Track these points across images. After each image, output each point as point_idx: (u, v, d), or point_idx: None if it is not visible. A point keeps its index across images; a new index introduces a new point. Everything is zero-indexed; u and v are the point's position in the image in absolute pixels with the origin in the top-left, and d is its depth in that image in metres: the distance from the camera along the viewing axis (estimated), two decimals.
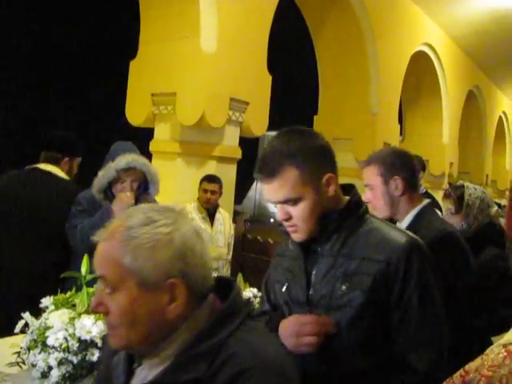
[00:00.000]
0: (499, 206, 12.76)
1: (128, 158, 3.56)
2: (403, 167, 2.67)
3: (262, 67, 6.37)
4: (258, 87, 6.28)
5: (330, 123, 9.11)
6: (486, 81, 15.86)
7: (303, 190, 1.82)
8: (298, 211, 1.84)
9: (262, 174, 1.85)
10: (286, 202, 1.84)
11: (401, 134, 11.24)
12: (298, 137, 1.87)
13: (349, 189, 2.01)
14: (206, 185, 5.69)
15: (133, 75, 6.19)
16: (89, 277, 2.35)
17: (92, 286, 2.39)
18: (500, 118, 18.17)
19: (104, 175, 3.56)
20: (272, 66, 6.58)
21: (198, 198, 5.76)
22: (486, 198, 3.34)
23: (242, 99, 6.03)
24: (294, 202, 1.83)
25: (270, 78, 6.47)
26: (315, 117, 9.36)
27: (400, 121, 10.72)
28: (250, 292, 3.14)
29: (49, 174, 3.82)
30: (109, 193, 3.64)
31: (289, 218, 1.86)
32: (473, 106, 15.27)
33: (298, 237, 1.91)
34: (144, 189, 3.74)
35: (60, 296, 2.38)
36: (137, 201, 3.66)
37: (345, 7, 8.48)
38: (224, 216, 5.87)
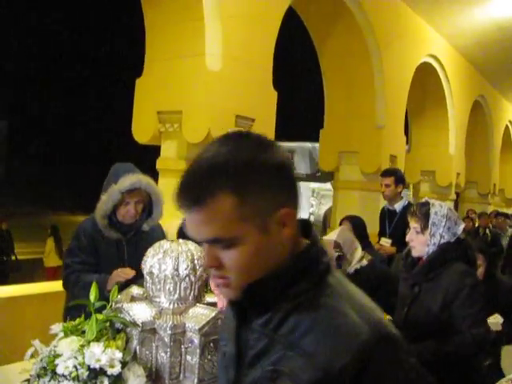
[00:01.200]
0: (507, 215, 12.73)
1: (132, 179, 3.44)
2: None
3: (268, 84, 6.41)
4: (264, 104, 6.31)
5: (336, 137, 9.13)
6: (491, 90, 15.86)
7: (241, 229, 1.19)
8: (232, 258, 1.21)
9: (182, 200, 1.21)
10: (214, 242, 1.22)
11: (407, 144, 11.24)
12: (241, 146, 1.22)
13: (305, 229, 1.33)
14: None
15: (139, 93, 6.23)
16: (97, 304, 2.37)
17: (101, 312, 2.42)
18: (506, 126, 18.15)
19: (108, 198, 3.44)
20: (278, 82, 6.61)
21: None
22: (453, 215, 3.20)
23: (248, 116, 6.07)
24: (228, 244, 1.20)
25: (275, 94, 6.51)
26: (321, 130, 9.38)
27: (406, 132, 10.73)
28: None
29: None
30: (114, 218, 3.53)
31: (218, 265, 1.23)
32: (479, 115, 15.27)
33: (228, 293, 1.30)
34: (148, 213, 3.65)
35: (69, 323, 2.40)
36: (139, 226, 3.63)
37: (349, 22, 8.52)
38: None
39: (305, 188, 56.37)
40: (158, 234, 3.74)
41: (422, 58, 10.88)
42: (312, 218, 55.15)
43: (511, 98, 17.43)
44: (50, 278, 13.56)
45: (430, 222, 3.15)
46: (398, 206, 6.08)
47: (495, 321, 4.46)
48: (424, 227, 3.17)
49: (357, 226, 5.13)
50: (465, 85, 13.37)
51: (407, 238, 3.28)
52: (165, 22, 6.04)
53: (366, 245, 5.09)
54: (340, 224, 5.17)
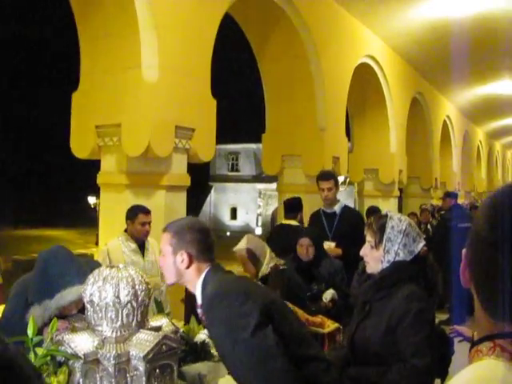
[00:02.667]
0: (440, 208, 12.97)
1: (71, 297, 2.97)
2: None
3: (206, 92, 6.37)
4: (203, 113, 6.27)
5: (278, 140, 9.15)
6: (428, 87, 16.19)
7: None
8: None
9: None
10: None
11: (349, 143, 11.36)
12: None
13: None
14: (144, 217, 5.41)
15: (75, 107, 6.11)
16: (36, 339, 2.29)
17: (41, 346, 2.34)
18: (444, 122, 18.58)
19: (41, 314, 2.94)
20: (218, 85, 6.58)
21: (127, 231, 5.50)
22: (412, 232, 2.89)
23: (188, 126, 6.01)
24: None
25: (214, 102, 6.47)
26: (263, 135, 9.39)
27: (348, 132, 10.84)
28: (203, 334, 3.10)
29: None
30: None
31: None
32: (417, 112, 15.57)
33: None
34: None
35: None
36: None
37: (287, 25, 8.55)
38: (152, 244, 5.59)
39: (251, 189, 56.62)
40: None
41: (360, 59, 11.02)
42: (260, 219, 55.38)
43: (448, 93, 17.83)
44: None
45: (385, 237, 2.88)
46: (337, 208, 6.14)
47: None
48: (379, 242, 2.90)
49: (315, 239, 5.16)
50: (403, 83, 13.60)
51: (361, 253, 3.03)
52: (99, 34, 5.94)
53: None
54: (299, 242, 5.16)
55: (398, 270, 2.85)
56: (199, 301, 2.57)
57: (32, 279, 3.13)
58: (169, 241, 2.61)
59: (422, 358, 2.65)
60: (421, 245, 2.90)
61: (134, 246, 5.47)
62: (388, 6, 9.98)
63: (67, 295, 2.96)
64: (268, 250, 4.64)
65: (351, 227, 5.76)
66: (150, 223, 5.47)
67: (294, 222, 6.54)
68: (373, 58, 11.60)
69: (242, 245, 4.71)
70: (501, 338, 1.05)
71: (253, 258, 4.61)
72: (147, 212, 5.44)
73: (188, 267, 2.58)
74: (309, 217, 6.56)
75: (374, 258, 2.92)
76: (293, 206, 6.81)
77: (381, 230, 2.89)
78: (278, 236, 6.35)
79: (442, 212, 11.86)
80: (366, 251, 2.99)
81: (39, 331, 3.01)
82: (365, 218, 7.18)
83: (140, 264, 5.37)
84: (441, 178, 17.81)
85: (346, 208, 6.27)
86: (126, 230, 5.53)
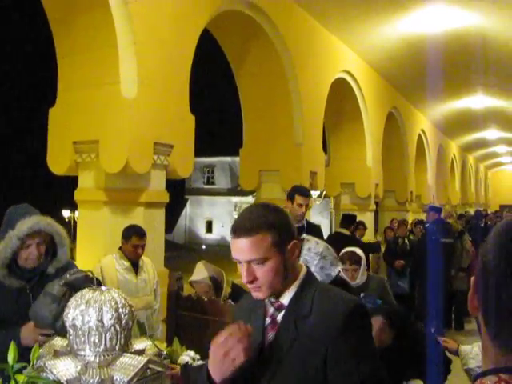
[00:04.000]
0: (422, 222, 13.12)
1: (30, 222, 3.22)
2: None
3: (185, 109, 6.35)
4: (182, 129, 6.24)
5: (255, 156, 9.16)
6: (403, 102, 16.36)
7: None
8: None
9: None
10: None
11: (326, 157, 11.42)
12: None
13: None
14: (137, 240, 5.39)
15: (52, 123, 6.02)
16: (17, 366, 2.23)
17: (21, 373, 2.28)
18: (419, 136, 18.76)
19: (6, 246, 3.19)
20: (194, 102, 6.56)
21: (121, 249, 5.48)
22: (330, 255, 2.84)
23: (166, 142, 5.98)
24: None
25: (193, 118, 6.45)
26: (241, 150, 9.38)
27: (324, 147, 10.89)
28: (186, 356, 3.07)
29: None
30: (13, 265, 3.27)
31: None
32: (393, 126, 15.70)
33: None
34: (52, 254, 3.41)
35: None
36: (44, 270, 3.39)
37: (264, 42, 8.58)
38: (147, 263, 5.62)
39: (226, 202, 56.63)
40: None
41: (337, 74, 11.08)
42: None
43: (422, 108, 18.04)
44: None
45: (302, 259, 2.82)
46: (304, 223, 6.16)
47: None
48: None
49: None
50: (378, 98, 13.72)
51: None
52: (77, 50, 5.89)
53: None
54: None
55: None
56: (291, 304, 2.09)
57: None
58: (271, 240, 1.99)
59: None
60: (338, 269, 2.87)
61: (127, 264, 5.42)
62: (364, 22, 10.08)
63: (27, 222, 3.20)
64: (221, 270, 4.60)
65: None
66: (143, 246, 5.43)
67: (346, 232, 9.45)
68: (349, 73, 11.68)
69: (203, 274, 4.65)
70: (506, 372, 1.02)
71: (216, 284, 4.60)
72: (142, 235, 5.40)
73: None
74: None
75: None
76: (348, 220, 9.90)
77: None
78: (335, 240, 7.28)
79: (426, 225, 11.97)
80: None
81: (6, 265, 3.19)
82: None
83: (133, 283, 5.34)
84: (416, 192, 17.96)
85: (308, 222, 6.29)
86: (120, 248, 5.49)
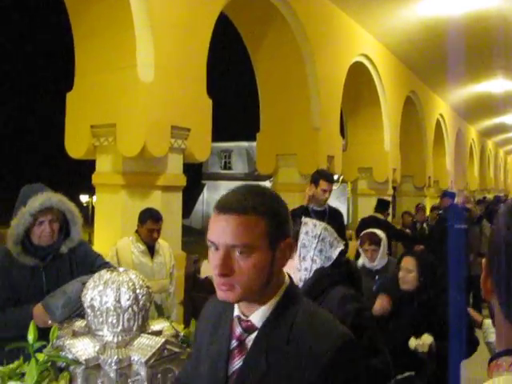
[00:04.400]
0: (438, 208, 13.04)
1: (42, 198, 3.26)
2: None
3: (202, 92, 6.34)
4: (199, 112, 6.24)
5: (273, 140, 9.14)
6: (422, 86, 16.21)
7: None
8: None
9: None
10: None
11: (343, 142, 11.37)
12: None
13: None
14: (152, 224, 5.39)
15: (70, 107, 6.05)
16: (37, 345, 2.26)
17: (41, 352, 2.31)
18: (438, 120, 18.60)
19: (19, 223, 3.23)
20: (211, 87, 6.55)
21: (138, 232, 5.50)
22: (329, 237, 2.73)
23: (184, 126, 5.98)
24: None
25: (210, 102, 6.44)
26: (258, 134, 9.37)
27: (342, 131, 10.83)
28: None
29: None
30: (27, 243, 3.32)
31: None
32: (411, 111, 15.57)
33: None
34: (65, 234, 3.45)
35: (6, 368, 2.28)
36: (57, 249, 3.42)
37: (282, 25, 8.53)
38: (163, 246, 5.61)
39: None
40: (83, 254, 3.59)
41: (355, 58, 11.00)
42: None
43: (441, 92, 17.86)
44: None
45: (300, 243, 2.72)
46: (326, 207, 6.13)
47: (421, 342, 4.00)
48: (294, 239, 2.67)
49: None
50: (396, 82, 13.60)
51: None
52: (94, 33, 5.89)
53: None
54: None
55: (319, 279, 2.68)
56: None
57: None
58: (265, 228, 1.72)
59: (379, 356, 2.57)
60: (338, 250, 2.73)
61: (143, 247, 5.43)
62: (383, 5, 9.98)
63: (39, 198, 3.24)
64: None
65: (338, 225, 5.80)
66: (158, 230, 5.43)
67: (380, 216, 9.54)
68: (367, 57, 11.59)
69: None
70: None
71: None
72: (157, 219, 5.40)
73: None
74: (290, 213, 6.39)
75: (292, 268, 2.65)
76: (383, 204, 10.10)
77: (295, 237, 2.65)
78: (368, 224, 7.42)
79: (440, 212, 11.88)
80: None
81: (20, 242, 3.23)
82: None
83: (148, 266, 5.36)
84: (434, 177, 17.84)
85: (330, 207, 6.27)
86: (136, 231, 5.50)
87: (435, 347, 3.94)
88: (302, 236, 2.73)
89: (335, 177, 13.09)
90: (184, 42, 6.09)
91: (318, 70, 9.06)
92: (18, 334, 2.93)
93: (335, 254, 2.72)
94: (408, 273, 4.23)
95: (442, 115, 19.07)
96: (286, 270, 2.47)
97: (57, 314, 3.02)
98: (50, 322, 3.03)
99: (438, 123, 18.78)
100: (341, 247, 2.74)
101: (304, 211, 6.17)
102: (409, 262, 4.27)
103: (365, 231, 5.34)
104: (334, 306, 2.56)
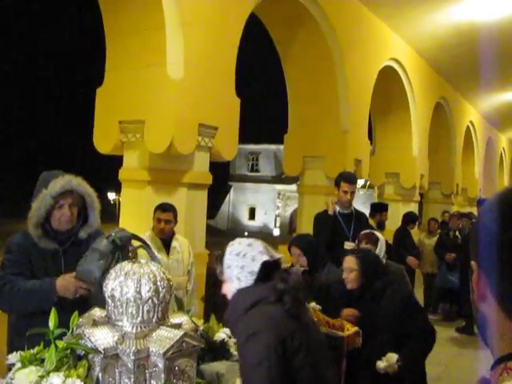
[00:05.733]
0: (469, 216, 12.89)
1: (62, 181, 3.29)
2: None
3: (230, 91, 6.36)
4: (227, 111, 6.26)
5: (300, 141, 9.13)
6: (452, 92, 16.05)
7: None
8: None
9: None
10: None
11: (371, 146, 11.32)
12: None
13: None
14: (160, 214, 5.24)
15: (100, 103, 6.11)
16: (57, 331, 2.28)
17: (61, 339, 2.33)
18: (467, 127, 18.39)
19: (39, 205, 3.25)
20: (241, 85, 6.57)
21: (153, 228, 5.37)
22: (251, 251, 2.57)
23: (211, 124, 6.00)
24: None
25: (238, 101, 6.46)
26: (286, 135, 9.37)
27: (370, 135, 10.78)
28: (223, 333, 3.09)
29: None
30: (48, 227, 3.34)
31: None
32: (441, 117, 15.44)
33: None
34: (83, 220, 3.48)
35: (27, 353, 2.31)
36: (76, 234, 3.46)
37: (313, 27, 8.52)
38: (182, 243, 5.43)
39: (270, 190, 56.62)
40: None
41: (385, 62, 10.95)
42: (278, 220, 55.36)
43: (471, 99, 17.66)
44: None
45: (225, 264, 2.60)
46: (352, 210, 6.12)
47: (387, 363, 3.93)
48: (221, 272, 2.64)
49: (306, 248, 4.85)
50: (427, 87, 13.50)
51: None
52: (125, 30, 5.94)
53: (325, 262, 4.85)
54: (289, 249, 4.96)
55: (237, 302, 2.54)
56: None
57: None
58: None
59: None
60: (259, 262, 2.53)
61: (158, 243, 5.28)
62: (415, 9, 9.90)
63: (59, 181, 3.27)
64: None
65: (365, 228, 5.79)
66: (169, 221, 5.28)
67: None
68: (397, 61, 11.53)
69: None
70: None
71: None
72: (165, 209, 5.27)
73: None
74: (315, 217, 6.34)
75: (228, 293, 2.60)
76: (412, 218, 10.21)
77: (221, 259, 2.63)
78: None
79: (473, 220, 11.72)
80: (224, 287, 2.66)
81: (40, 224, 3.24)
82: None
83: (163, 262, 5.26)
84: (462, 184, 17.65)
85: (356, 210, 6.26)
86: (153, 227, 5.38)
87: (401, 360, 3.90)
88: (226, 257, 2.60)
89: (362, 181, 13.04)
90: (214, 42, 6.11)
91: (348, 73, 9.03)
92: (36, 307, 2.99)
93: (257, 266, 2.52)
94: (350, 272, 4.23)
95: (472, 122, 18.86)
96: (224, 293, 2.52)
97: (95, 271, 2.99)
98: (82, 288, 3.06)
99: (468, 130, 18.57)
100: (263, 259, 2.52)
101: (327, 216, 6.14)
102: (350, 261, 4.27)
103: (363, 231, 5.34)
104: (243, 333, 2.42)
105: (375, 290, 4.16)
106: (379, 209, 8.95)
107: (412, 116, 12.64)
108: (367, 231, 5.34)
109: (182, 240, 5.44)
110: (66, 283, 3.14)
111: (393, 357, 3.90)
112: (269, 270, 2.53)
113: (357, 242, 5.36)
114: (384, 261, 5.07)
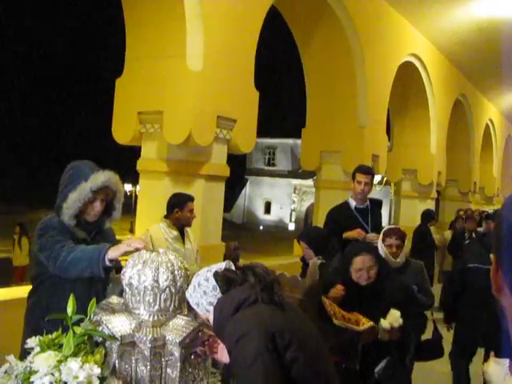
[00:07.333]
0: (487, 215, 12.77)
1: (104, 177, 3.36)
2: None
3: (249, 84, 6.36)
4: (246, 104, 6.26)
5: (317, 136, 9.11)
6: (472, 89, 15.94)
7: None
8: None
9: None
10: None
11: (389, 142, 11.28)
12: None
13: None
14: (192, 205, 5.24)
15: (119, 93, 6.13)
16: (75, 317, 2.30)
17: (78, 325, 2.35)
18: (487, 125, 18.26)
19: (79, 197, 3.28)
20: (259, 79, 6.56)
21: (169, 218, 5.30)
22: (203, 279, 2.50)
23: (230, 117, 6.01)
24: None
25: (257, 94, 6.45)
26: (303, 130, 9.36)
27: (388, 131, 10.74)
28: None
29: None
30: (80, 217, 3.37)
31: None
32: (460, 114, 15.34)
33: None
34: (105, 212, 3.52)
35: (45, 337, 2.33)
36: (102, 224, 3.54)
37: (332, 21, 8.49)
38: (189, 232, 5.46)
39: (286, 184, 56.55)
40: (113, 233, 3.76)
41: (404, 58, 10.89)
42: (294, 215, 55.28)
43: (491, 96, 17.52)
44: (18, 277, 13.26)
45: (193, 305, 2.52)
46: (368, 204, 6.04)
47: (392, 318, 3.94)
48: (196, 315, 2.55)
49: (310, 241, 4.94)
50: (446, 84, 13.41)
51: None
52: (145, 21, 5.96)
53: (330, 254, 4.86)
54: (298, 242, 5.02)
55: (220, 312, 2.41)
56: None
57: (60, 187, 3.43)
58: None
59: None
60: (212, 277, 2.48)
61: (175, 233, 5.32)
62: (436, 5, 9.84)
63: (101, 176, 3.33)
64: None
65: (380, 218, 5.86)
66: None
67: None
68: (417, 56, 11.46)
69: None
70: None
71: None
72: (194, 199, 5.31)
73: None
74: (330, 211, 6.26)
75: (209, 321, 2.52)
76: (429, 215, 10.47)
77: (189, 306, 2.57)
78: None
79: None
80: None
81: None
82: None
83: (181, 251, 5.31)
84: (480, 183, 17.54)
85: (371, 200, 6.18)
86: (165, 217, 5.39)
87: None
88: (189, 300, 2.53)
89: (378, 177, 12.94)
90: (234, 34, 6.11)
91: (367, 68, 8.99)
92: (86, 271, 3.04)
93: (213, 281, 2.48)
94: (370, 270, 4.22)
95: (491, 120, 18.71)
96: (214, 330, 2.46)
97: None
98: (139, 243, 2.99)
99: (487, 128, 18.43)
100: (213, 272, 2.49)
101: (345, 208, 6.07)
102: (368, 261, 4.24)
103: (389, 226, 5.30)
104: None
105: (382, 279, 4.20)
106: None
107: (431, 112, 12.57)
108: (392, 226, 5.29)
109: (189, 229, 5.46)
110: (115, 247, 3.17)
111: (396, 312, 3.91)
112: (228, 277, 2.47)
113: (382, 236, 5.28)
114: (404, 258, 5.05)
